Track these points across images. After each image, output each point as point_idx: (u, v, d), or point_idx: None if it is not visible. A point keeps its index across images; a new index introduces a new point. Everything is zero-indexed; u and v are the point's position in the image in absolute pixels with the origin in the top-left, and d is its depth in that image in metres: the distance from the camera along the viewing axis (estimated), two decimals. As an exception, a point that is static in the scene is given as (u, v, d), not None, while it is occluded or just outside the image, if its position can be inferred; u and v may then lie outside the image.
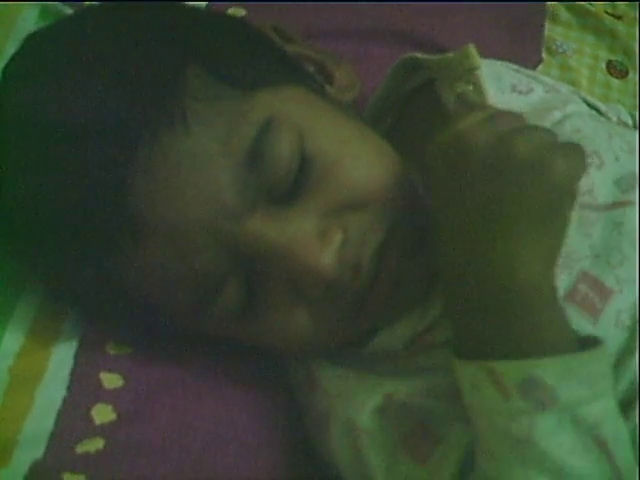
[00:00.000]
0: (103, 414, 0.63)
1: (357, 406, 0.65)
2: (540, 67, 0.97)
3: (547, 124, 0.69)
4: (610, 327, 0.63)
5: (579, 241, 0.65)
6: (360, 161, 0.63)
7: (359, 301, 0.63)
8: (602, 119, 0.77)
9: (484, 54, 0.80)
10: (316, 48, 0.73)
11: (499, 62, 0.77)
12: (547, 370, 0.55)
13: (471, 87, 0.69)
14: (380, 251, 0.63)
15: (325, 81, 0.71)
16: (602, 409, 0.57)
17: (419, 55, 0.74)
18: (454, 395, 0.60)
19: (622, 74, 0.99)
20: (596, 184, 0.66)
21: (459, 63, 0.70)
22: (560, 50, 0.99)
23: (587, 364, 0.56)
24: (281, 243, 0.60)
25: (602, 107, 0.81)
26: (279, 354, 0.70)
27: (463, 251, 0.57)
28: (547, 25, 0.99)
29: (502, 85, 0.73)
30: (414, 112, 0.77)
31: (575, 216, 0.65)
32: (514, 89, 0.73)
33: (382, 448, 0.64)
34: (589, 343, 0.58)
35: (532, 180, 0.56)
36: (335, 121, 0.65)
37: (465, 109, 0.61)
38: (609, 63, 0.99)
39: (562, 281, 0.63)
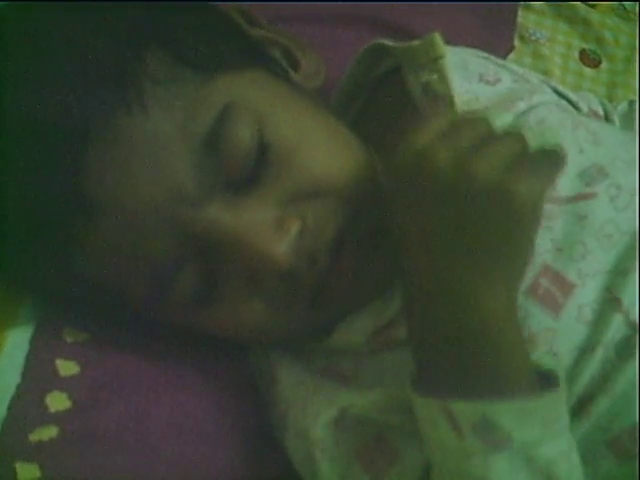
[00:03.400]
0: (58, 402, 0.62)
1: (311, 417, 0.64)
2: (512, 55, 0.96)
3: (511, 115, 0.68)
4: (571, 322, 0.62)
5: (540, 235, 0.63)
6: (320, 149, 0.62)
7: (316, 291, 0.63)
8: (570, 109, 0.76)
9: (456, 41, 0.79)
10: (283, 33, 0.72)
11: (468, 50, 0.76)
12: (502, 412, 0.55)
13: (435, 76, 0.68)
14: (338, 241, 0.62)
15: (290, 67, 0.70)
16: (556, 449, 0.56)
17: (386, 42, 0.73)
18: (412, 410, 0.60)
19: (595, 63, 0.98)
20: (559, 177, 0.66)
21: (424, 51, 0.69)
22: (533, 38, 0.98)
23: (543, 407, 0.56)
24: (237, 231, 0.59)
25: (572, 96, 0.80)
26: (238, 344, 0.69)
27: (425, 281, 0.56)
28: (520, 12, 0.99)
29: (469, 74, 0.72)
30: (382, 99, 0.76)
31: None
32: (481, 79, 0.73)
33: (335, 460, 0.64)
34: (548, 378, 0.57)
35: (492, 206, 0.54)
36: (297, 108, 0.64)
37: (425, 119, 0.58)
38: (582, 52, 0.98)
39: None
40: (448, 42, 0.77)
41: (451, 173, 0.54)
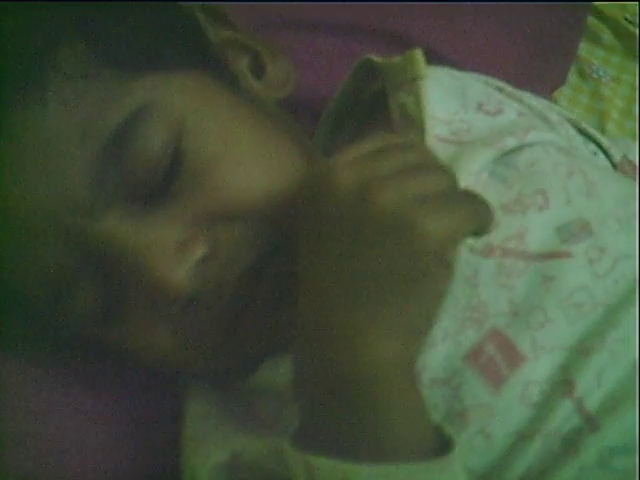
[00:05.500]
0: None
1: (202, 457, 0.58)
2: (567, 91, 0.86)
3: (494, 151, 0.59)
4: (513, 401, 0.53)
5: (496, 293, 0.55)
6: (245, 166, 0.55)
7: (231, 324, 0.56)
8: (579, 153, 0.66)
9: (493, 68, 0.72)
10: (254, 37, 0.64)
11: (473, 75, 0.67)
12: (364, 476, 0.46)
13: (412, 98, 0.60)
14: (256, 271, 0.55)
15: (254, 73, 0.63)
16: None
17: (375, 58, 0.65)
18: None
19: (661, 110, 0.87)
20: (531, 228, 0.56)
21: (402, 69, 0.61)
22: (595, 75, 0.87)
23: (418, 476, 0.47)
24: (134, 248, 0.53)
25: (605, 142, 0.70)
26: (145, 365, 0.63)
27: (310, 319, 0.49)
28: (585, 46, 0.88)
29: (467, 102, 0.63)
30: (374, 118, 0.68)
31: (493, 264, 0.55)
32: (480, 108, 0.63)
33: None
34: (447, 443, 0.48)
35: (393, 241, 0.46)
36: (231, 118, 0.57)
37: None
38: (648, 97, 0.87)
39: (467, 337, 0.54)
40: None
41: (351, 198, 0.47)
